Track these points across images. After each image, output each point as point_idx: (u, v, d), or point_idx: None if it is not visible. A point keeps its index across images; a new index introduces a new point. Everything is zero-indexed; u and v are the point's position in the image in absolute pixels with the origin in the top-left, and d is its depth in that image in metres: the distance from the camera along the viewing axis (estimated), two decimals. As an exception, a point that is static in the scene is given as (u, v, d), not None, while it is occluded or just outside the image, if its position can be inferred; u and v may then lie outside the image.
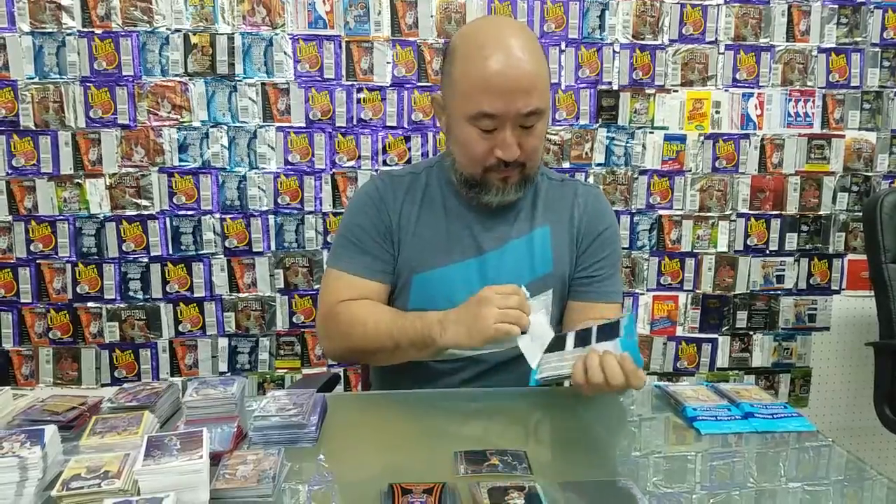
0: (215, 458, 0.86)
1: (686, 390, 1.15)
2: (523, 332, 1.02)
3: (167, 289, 2.15)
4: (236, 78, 2.09)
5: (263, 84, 2.10)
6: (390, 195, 1.29)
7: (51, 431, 0.84)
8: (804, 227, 2.34)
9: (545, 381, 1.01)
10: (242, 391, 1.10)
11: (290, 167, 2.14)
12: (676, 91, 2.24)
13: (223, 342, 2.20)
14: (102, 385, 2.17)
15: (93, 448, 0.85)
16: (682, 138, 2.26)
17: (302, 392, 1.07)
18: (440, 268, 1.26)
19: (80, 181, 2.09)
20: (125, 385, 1.13)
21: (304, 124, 2.13)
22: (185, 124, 2.09)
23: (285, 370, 2.24)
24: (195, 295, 2.16)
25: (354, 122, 2.15)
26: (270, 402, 1.03)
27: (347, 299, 1.24)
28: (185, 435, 0.84)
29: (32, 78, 2.04)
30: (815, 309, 2.38)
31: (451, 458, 0.89)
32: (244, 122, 2.11)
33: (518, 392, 1.15)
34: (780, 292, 2.36)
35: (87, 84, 2.05)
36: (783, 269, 2.36)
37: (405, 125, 2.16)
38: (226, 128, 2.11)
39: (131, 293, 2.14)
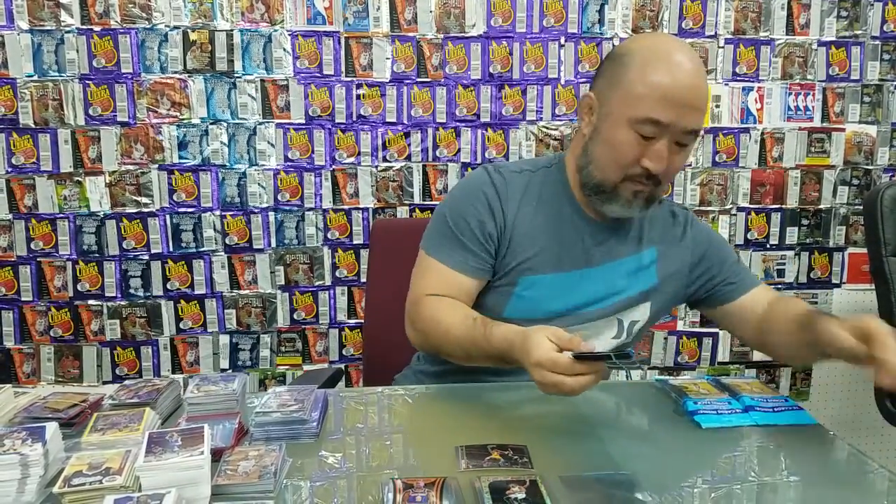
0: (217, 455, 0.86)
1: (686, 383, 1.15)
2: None
3: (168, 286, 2.15)
4: (235, 75, 2.09)
5: (263, 81, 2.10)
6: (506, 193, 1.25)
7: (52, 429, 0.84)
8: (804, 221, 2.34)
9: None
10: (244, 388, 1.10)
11: (289, 164, 2.14)
12: (676, 85, 2.23)
13: (224, 339, 2.20)
14: (104, 382, 2.17)
15: (94, 445, 0.85)
16: (683, 133, 2.25)
17: (303, 388, 1.07)
18: (549, 274, 1.24)
19: (80, 179, 2.09)
20: (126, 382, 1.13)
21: (303, 121, 2.13)
22: (184, 121, 2.09)
23: (286, 367, 2.24)
24: (196, 292, 2.17)
25: (354, 118, 2.14)
26: (272, 398, 1.03)
27: (435, 293, 1.22)
28: (187, 431, 0.84)
29: (31, 76, 2.04)
30: (816, 302, 2.38)
31: (452, 452, 0.90)
32: (244, 118, 2.11)
33: (518, 385, 1.15)
34: (780, 286, 2.36)
35: (87, 82, 2.05)
36: (784, 263, 2.36)
37: (405, 121, 2.16)
38: (225, 125, 2.11)
39: (132, 291, 2.14)
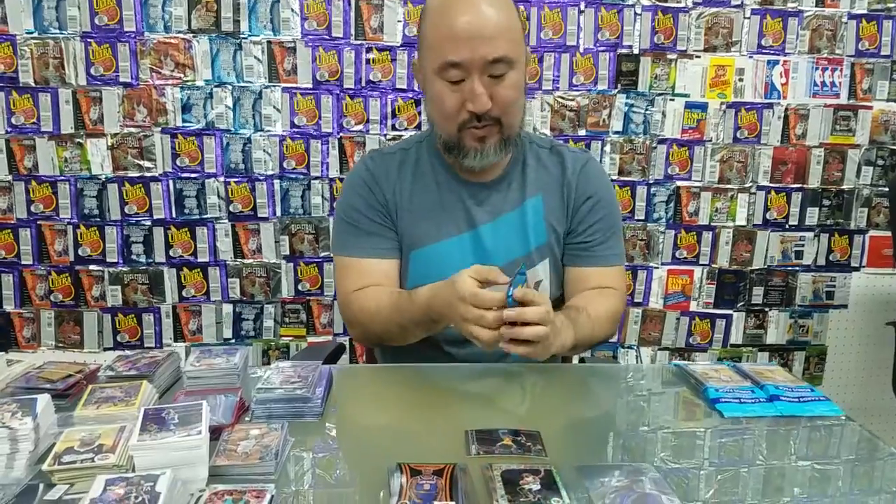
0: (215, 432, 0.82)
1: (707, 370, 1.10)
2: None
3: (171, 253, 2.11)
4: (241, 36, 2.02)
5: (269, 42, 2.03)
6: (382, 173, 1.27)
7: (44, 401, 0.80)
8: (826, 202, 2.27)
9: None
10: (245, 361, 1.06)
11: (296, 130, 2.08)
12: (699, 57, 2.15)
13: (227, 308, 2.16)
14: (105, 349, 2.15)
15: (88, 419, 0.81)
16: (704, 106, 2.18)
17: (307, 364, 1.03)
18: (435, 243, 1.24)
19: (80, 141, 2.03)
20: (125, 352, 1.09)
21: (310, 85, 2.06)
22: (188, 83, 2.03)
23: (290, 338, 2.21)
24: (199, 260, 2.12)
25: (363, 83, 2.07)
26: (274, 374, 0.98)
27: (358, 287, 1.22)
28: (184, 408, 0.80)
29: (32, 33, 1.97)
30: (834, 286, 2.32)
31: (461, 435, 0.85)
32: (249, 81, 2.04)
33: (530, 366, 1.10)
34: (798, 268, 2.30)
35: (88, 40, 1.98)
36: (802, 245, 2.29)
37: (416, 88, 2.08)
38: (230, 88, 2.04)
39: (134, 256, 2.10)
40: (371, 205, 1.25)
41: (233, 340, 2.18)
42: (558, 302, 1.30)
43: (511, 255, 1.24)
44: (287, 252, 2.15)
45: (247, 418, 0.91)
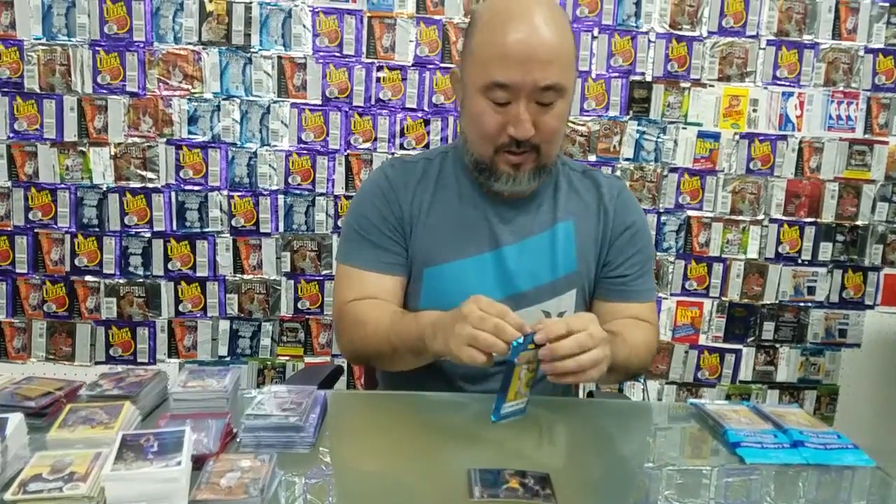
0: (199, 462, 0.76)
1: (725, 410, 1.04)
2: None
3: (169, 266, 2.07)
4: (252, 49, 1.99)
5: (280, 57, 2.00)
6: (401, 183, 1.20)
7: (15, 421, 0.74)
8: (840, 237, 2.22)
9: (505, 418, 0.93)
10: (236, 383, 1.01)
11: (303, 146, 2.05)
12: (713, 86, 2.13)
13: (224, 325, 2.11)
14: (96, 363, 2.09)
15: (62, 442, 0.76)
16: (716, 136, 2.14)
17: (301, 389, 0.97)
18: (453, 262, 1.16)
19: (83, 149, 2.00)
20: (113, 368, 1.04)
21: (319, 102, 2.03)
22: (196, 95, 2.00)
23: (287, 357, 2.15)
24: (198, 274, 2.08)
25: (372, 101, 2.04)
26: (265, 399, 0.93)
27: (357, 298, 1.16)
28: (165, 435, 0.74)
29: (40, 38, 1.95)
30: (847, 324, 2.26)
31: (462, 475, 0.79)
32: (258, 96, 2.01)
33: (537, 400, 1.04)
34: (810, 304, 2.25)
35: (97, 48, 1.96)
36: (815, 280, 2.24)
37: (425, 108, 2.06)
38: (238, 101, 2.01)
39: (131, 269, 2.06)
40: (384, 216, 1.17)
41: (228, 358, 2.13)
42: None
43: (537, 281, 1.17)
44: (288, 269, 2.10)
45: (234, 446, 0.86)
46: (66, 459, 0.70)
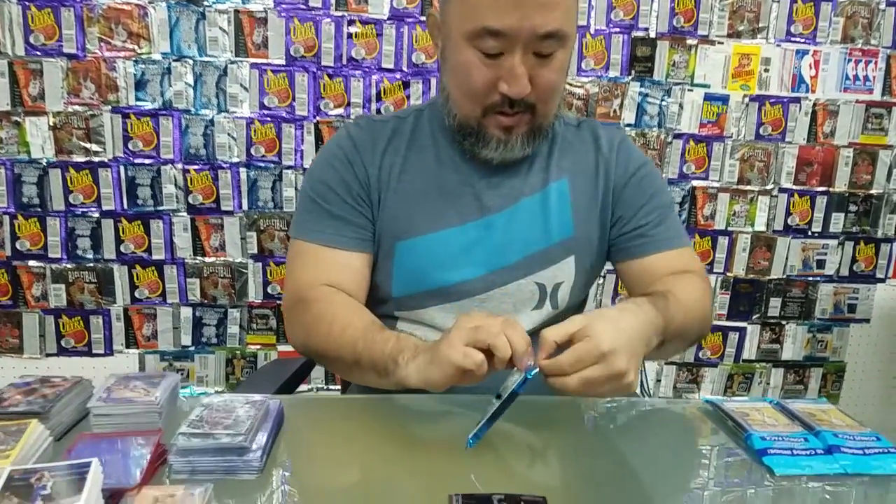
0: (117, 496, 0.61)
1: (748, 409, 0.88)
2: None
3: (121, 249, 1.90)
4: (205, 3, 1.79)
5: (237, 12, 1.82)
6: (367, 144, 1.02)
7: None
8: (852, 207, 2.08)
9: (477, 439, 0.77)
10: (172, 394, 0.84)
11: (266, 112, 1.87)
12: (721, 43, 1.96)
13: (186, 312, 1.94)
14: (48, 355, 1.94)
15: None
16: (725, 99, 1.97)
17: (249, 398, 0.80)
18: (430, 233, 1.00)
19: (18, 119, 1.82)
20: (18, 380, 0.85)
21: (283, 62, 1.86)
22: (143, 57, 1.82)
23: (258, 346, 1.99)
24: (154, 257, 1.91)
25: (344, 61, 1.87)
26: (204, 413, 0.76)
27: (314, 281, 0.98)
28: (66, 470, 0.57)
29: (-39, -7, 1.71)
30: (857, 298, 2.15)
31: (444, 501, 0.64)
32: (213, 56, 1.84)
33: (531, 401, 0.87)
34: (819, 278, 2.12)
35: (27, 3, 1.77)
36: (825, 253, 2.11)
37: (404, 68, 1.88)
38: (191, 62, 1.83)
39: (79, 252, 1.88)
40: (347, 183, 1.01)
41: (192, 348, 1.96)
42: (580, 306, 1.08)
43: (528, 250, 1.00)
44: (255, 251, 1.93)
45: (165, 473, 0.69)
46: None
